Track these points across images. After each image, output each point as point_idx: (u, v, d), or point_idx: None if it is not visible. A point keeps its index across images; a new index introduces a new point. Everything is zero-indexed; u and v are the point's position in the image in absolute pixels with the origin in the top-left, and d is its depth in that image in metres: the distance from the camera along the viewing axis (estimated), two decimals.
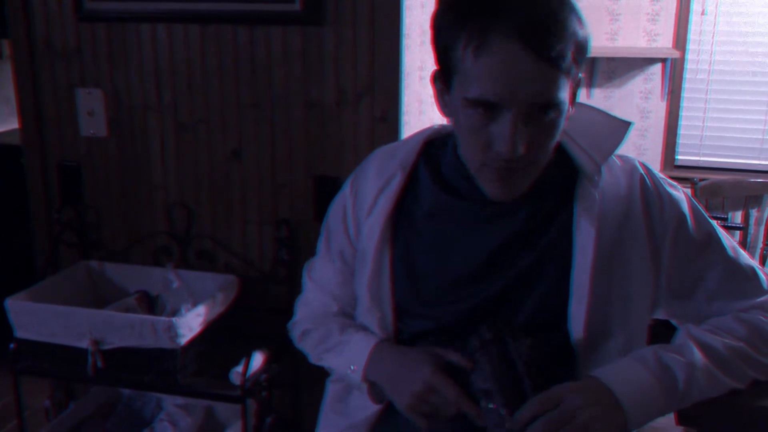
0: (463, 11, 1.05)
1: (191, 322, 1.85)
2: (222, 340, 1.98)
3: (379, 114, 1.91)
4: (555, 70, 1.02)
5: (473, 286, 1.17)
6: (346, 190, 1.32)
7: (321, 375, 2.13)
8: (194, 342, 1.87)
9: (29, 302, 1.92)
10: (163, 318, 1.85)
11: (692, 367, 1.12)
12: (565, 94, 1.05)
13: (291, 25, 1.91)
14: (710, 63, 3.94)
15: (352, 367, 1.27)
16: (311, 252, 2.04)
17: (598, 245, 1.13)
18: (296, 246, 2.05)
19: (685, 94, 4.00)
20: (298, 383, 2.15)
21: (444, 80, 1.12)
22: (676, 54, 3.87)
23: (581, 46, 1.06)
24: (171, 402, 2.17)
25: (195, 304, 1.94)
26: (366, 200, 1.27)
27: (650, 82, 4.02)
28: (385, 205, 1.24)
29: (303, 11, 1.88)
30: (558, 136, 1.10)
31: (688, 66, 3.97)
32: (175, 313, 1.97)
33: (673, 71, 3.97)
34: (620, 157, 1.22)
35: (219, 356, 1.91)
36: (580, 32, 1.05)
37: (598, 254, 1.13)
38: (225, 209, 2.09)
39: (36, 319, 1.88)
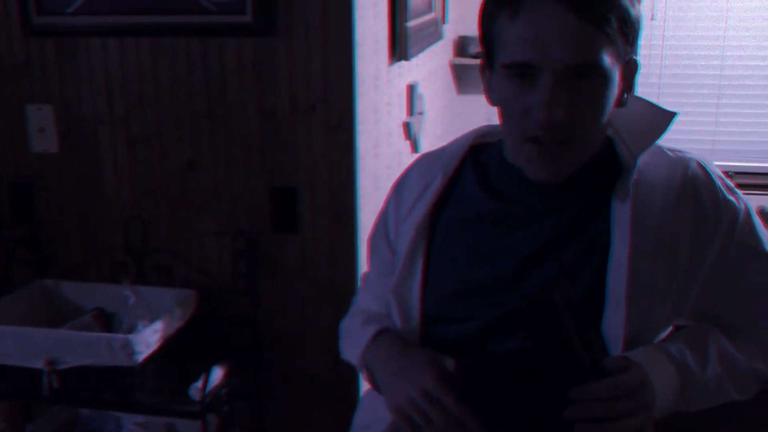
0: None
1: (148, 339, 1.82)
2: (181, 355, 1.95)
3: (335, 123, 1.91)
4: (593, 30, 0.97)
5: (513, 288, 1.11)
6: (391, 192, 1.29)
7: (284, 385, 2.12)
8: (152, 359, 1.84)
9: None
10: (119, 335, 1.82)
11: (707, 377, 1.07)
12: (607, 61, 0.99)
13: (243, 37, 1.91)
14: (661, 67, 4.02)
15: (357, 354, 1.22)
16: (270, 263, 2.06)
17: (634, 239, 1.04)
18: (255, 257, 2.03)
19: None
20: (261, 394, 2.14)
21: (488, 63, 1.08)
22: None
23: (628, 19, 1.00)
24: (130, 420, 2.13)
25: (152, 320, 1.91)
26: (406, 203, 1.24)
27: None
28: (421, 208, 1.19)
29: (255, 22, 1.88)
30: (606, 113, 1.03)
31: (639, 71, 4.04)
32: (132, 329, 1.94)
33: None
34: (675, 151, 1.15)
35: (178, 372, 1.89)
36: (627, 3, 1.01)
37: (634, 250, 1.04)
38: (182, 222, 2.07)
39: None
